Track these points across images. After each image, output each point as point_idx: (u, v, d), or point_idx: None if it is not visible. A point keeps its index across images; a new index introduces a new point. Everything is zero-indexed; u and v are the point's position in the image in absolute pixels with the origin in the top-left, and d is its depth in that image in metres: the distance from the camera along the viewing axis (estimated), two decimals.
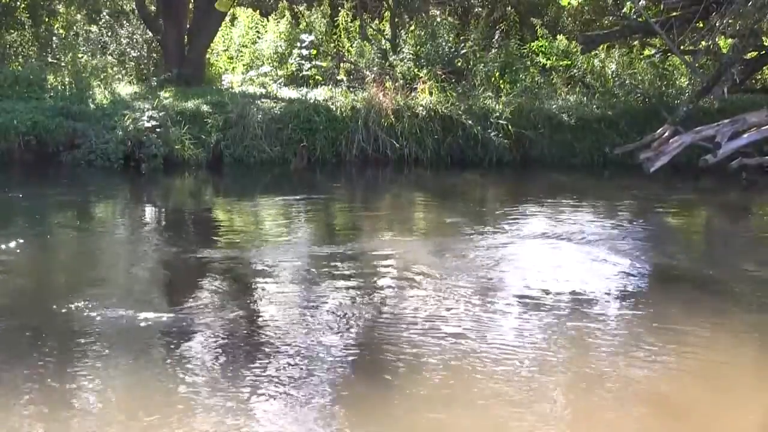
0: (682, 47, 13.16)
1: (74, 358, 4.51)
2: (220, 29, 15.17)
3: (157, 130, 11.19)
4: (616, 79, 14.05)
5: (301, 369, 4.43)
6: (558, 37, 15.12)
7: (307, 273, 6.42)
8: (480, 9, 17.28)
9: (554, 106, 12.99)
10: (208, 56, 15.21)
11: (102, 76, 13.06)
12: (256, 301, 5.73)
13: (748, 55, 13.10)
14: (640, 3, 13.54)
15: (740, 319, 5.52)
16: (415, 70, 13.61)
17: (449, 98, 12.69)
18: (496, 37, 14.85)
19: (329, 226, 8.63)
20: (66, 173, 10.96)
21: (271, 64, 14.61)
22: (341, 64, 14.56)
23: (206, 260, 6.65)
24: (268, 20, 15.94)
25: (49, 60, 13.99)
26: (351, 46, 15.08)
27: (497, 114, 12.61)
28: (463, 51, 14.49)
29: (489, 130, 12.44)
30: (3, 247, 6.76)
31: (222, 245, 7.39)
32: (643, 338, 5.01)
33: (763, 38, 12.82)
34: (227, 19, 15.48)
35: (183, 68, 14.11)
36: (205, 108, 12.14)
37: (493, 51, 14.40)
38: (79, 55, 13.68)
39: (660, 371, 4.55)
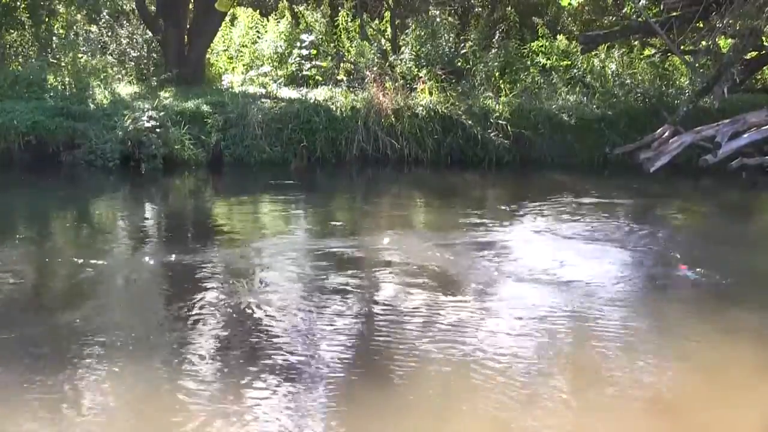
0: (682, 47, 13.16)
1: (70, 362, 4.50)
2: (220, 29, 15.18)
3: (157, 130, 11.18)
4: (616, 79, 14.03)
5: (300, 369, 4.43)
6: (558, 37, 15.11)
7: (307, 273, 6.41)
8: (480, 9, 17.26)
9: (554, 106, 12.98)
10: (208, 56, 15.21)
11: (102, 76, 13.04)
12: (255, 300, 5.72)
13: (748, 55, 13.10)
14: (640, 3, 13.53)
15: (740, 319, 5.51)
16: (415, 70, 13.60)
17: (449, 98, 12.68)
18: (496, 37, 14.83)
19: (329, 226, 8.62)
20: (66, 173, 10.96)
21: (271, 64, 14.60)
22: (341, 64, 14.55)
23: (206, 260, 6.64)
24: (268, 20, 15.93)
25: (50, 60, 13.96)
26: (351, 46, 15.07)
27: (497, 114, 12.60)
28: (463, 51, 14.47)
29: (489, 130, 12.43)
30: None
31: (221, 245, 7.39)
32: (643, 338, 5.02)
33: (763, 38, 12.81)
34: (227, 19, 15.48)
35: (183, 68, 14.10)
36: (205, 108, 12.14)
37: (493, 51, 14.38)
38: (79, 55, 13.65)
39: (660, 371, 4.55)
